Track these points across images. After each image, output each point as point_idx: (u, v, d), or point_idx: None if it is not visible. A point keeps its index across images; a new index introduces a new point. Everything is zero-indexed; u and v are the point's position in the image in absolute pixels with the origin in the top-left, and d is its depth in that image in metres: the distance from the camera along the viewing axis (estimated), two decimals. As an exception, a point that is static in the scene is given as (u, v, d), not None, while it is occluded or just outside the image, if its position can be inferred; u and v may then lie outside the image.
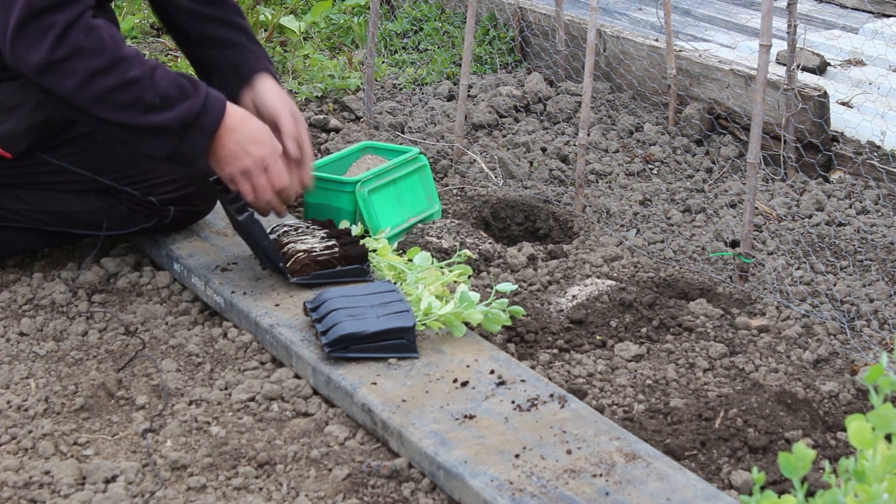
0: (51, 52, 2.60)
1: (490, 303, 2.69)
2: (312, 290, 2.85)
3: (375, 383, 2.47)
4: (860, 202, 3.77)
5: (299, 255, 2.87)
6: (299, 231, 3.02)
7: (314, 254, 2.87)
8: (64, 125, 2.97)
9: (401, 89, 4.86)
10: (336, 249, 2.90)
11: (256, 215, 2.83)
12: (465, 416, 2.35)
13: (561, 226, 3.64)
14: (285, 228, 3.02)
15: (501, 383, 2.47)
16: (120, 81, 2.63)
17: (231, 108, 2.75)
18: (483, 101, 4.60)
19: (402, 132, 4.33)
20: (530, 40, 5.10)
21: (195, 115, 2.68)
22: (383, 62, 5.12)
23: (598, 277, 3.14)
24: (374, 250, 2.98)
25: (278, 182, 2.80)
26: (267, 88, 2.97)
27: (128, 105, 2.64)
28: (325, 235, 2.97)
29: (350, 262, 2.89)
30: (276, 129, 2.89)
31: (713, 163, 4.14)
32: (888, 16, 5.67)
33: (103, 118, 2.67)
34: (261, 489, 2.27)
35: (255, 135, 2.76)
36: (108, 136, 2.81)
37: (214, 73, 3.06)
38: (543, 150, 4.20)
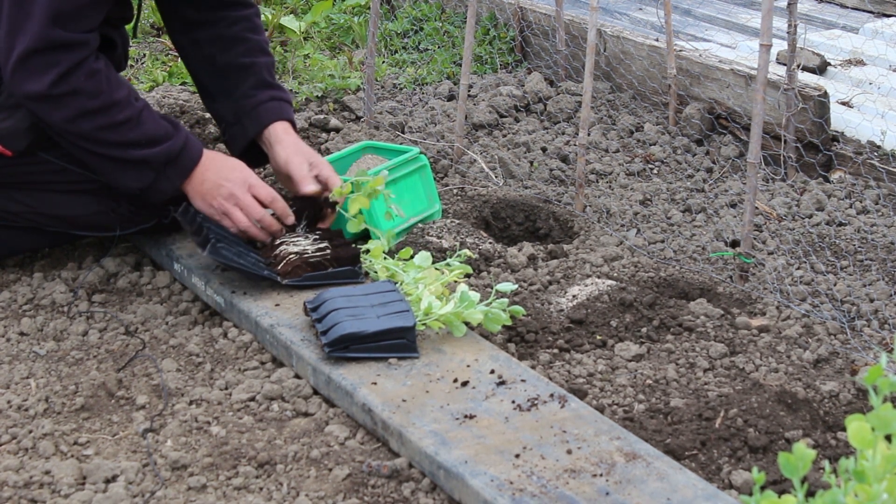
0: (51, 87, 2.73)
1: (490, 303, 2.69)
2: (312, 290, 2.85)
3: (375, 383, 2.48)
4: (860, 202, 3.77)
5: (291, 257, 2.87)
6: (292, 233, 3.02)
7: (306, 255, 2.88)
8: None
9: (401, 89, 4.86)
10: (328, 251, 2.90)
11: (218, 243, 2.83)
12: (466, 416, 2.35)
13: (561, 226, 3.64)
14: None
15: (501, 383, 2.47)
16: (108, 123, 2.78)
17: (206, 152, 2.92)
18: (483, 100, 4.60)
19: (403, 132, 4.33)
20: (530, 40, 5.10)
21: (176, 154, 2.84)
22: (383, 62, 5.12)
23: (599, 277, 3.15)
24: (368, 251, 2.98)
25: (253, 213, 2.91)
26: (281, 141, 3.08)
27: (112, 144, 2.81)
28: (318, 237, 2.98)
29: (342, 263, 2.89)
30: (290, 179, 3.04)
31: (713, 163, 4.14)
32: (888, 15, 5.67)
33: (87, 150, 2.84)
34: (261, 489, 2.27)
35: (225, 173, 2.90)
36: (86, 162, 2.93)
37: (224, 121, 3.17)
38: (544, 149, 4.20)
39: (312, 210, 3.04)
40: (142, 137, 2.81)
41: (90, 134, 2.79)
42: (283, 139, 3.08)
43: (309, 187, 3.01)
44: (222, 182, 2.89)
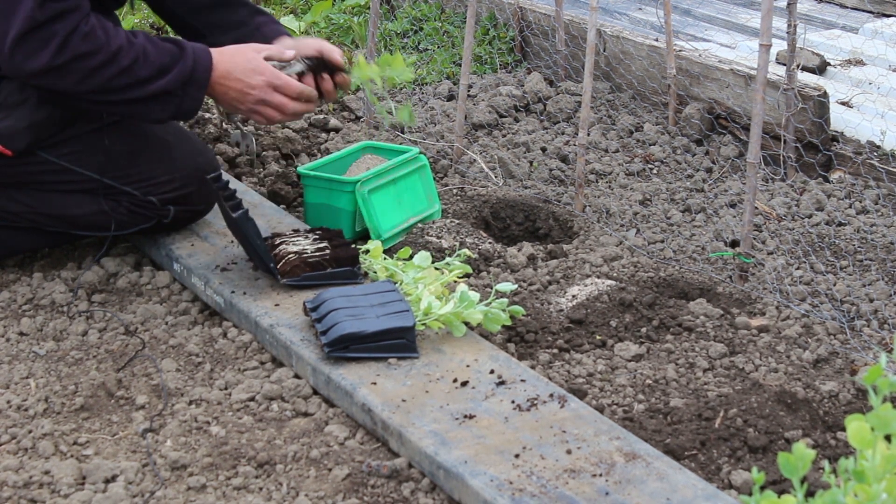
0: (52, 59, 2.72)
1: (490, 302, 2.69)
2: (311, 290, 2.85)
3: (375, 383, 2.48)
4: (860, 202, 3.77)
5: (290, 256, 2.87)
6: (292, 233, 3.03)
7: (305, 255, 2.88)
8: (65, 123, 2.98)
9: (401, 89, 4.86)
10: (327, 251, 2.90)
11: (251, 213, 2.84)
12: (465, 416, 2.35)
13: (561, 226, 3.64)
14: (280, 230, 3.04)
15: (501, 383, 2.47)
16: (117, 71, 2.77)
17: (216, 53, 2.89)
18: (483, 100, 4.60)
19: (402, 132, 4.33)
20: (530, 40, 5.10)
21: (189, 73, 2.83)
22: (383, 62, 5.12)
23: (598, 277, 3.15)
24: (367, 251, 2.98)
25: (286, 110, 2.93)
26: (288, 43, 3.09)
27: (127, 86, 2.80)
28: (317, 237, 2.98)
29: (341, 263, 2.89)
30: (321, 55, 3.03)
31: (713, 163, 4.14)
32: (888, 15, 5.67)
33: (106, 101, 2.83)
34: (261, 489, 2.27)
35: (247, 78, 2.90)
36: (112, 114, 2.97)
37: None
38: (543, 149, 4.20)
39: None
40: (153, 71, 2.80)
41: (103, 86, 2.79)
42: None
43: (334, 53, 3.03)
44: (248, 91, 2.90)
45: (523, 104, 4.60)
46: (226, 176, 3.00)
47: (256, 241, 2.83)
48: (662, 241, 3.52)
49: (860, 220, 3.64)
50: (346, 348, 2.55)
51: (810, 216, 3.69)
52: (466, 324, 2.67)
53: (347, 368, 2.53)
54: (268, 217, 3.29)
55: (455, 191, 3.77)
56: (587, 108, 3.61)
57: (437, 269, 2.88)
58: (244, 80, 2.89)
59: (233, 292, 2.88)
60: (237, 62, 2.90)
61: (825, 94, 3.99)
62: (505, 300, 2.70)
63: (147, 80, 2.80)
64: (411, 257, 2.95)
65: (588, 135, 3.85)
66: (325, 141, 4.19)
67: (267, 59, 2.94)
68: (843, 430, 2.45)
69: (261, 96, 2.90)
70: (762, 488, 2.24)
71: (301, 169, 3.38)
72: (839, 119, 4.19)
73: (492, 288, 2.84)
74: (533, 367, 2.68)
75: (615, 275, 3.19)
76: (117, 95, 2.81)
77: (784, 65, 4.05)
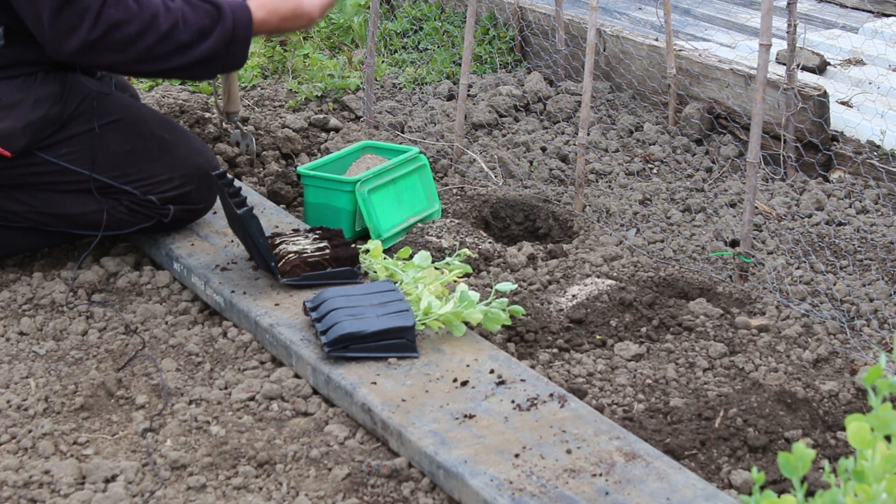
0: (88, 33, 2.73)
1: (490, 302, 2.69)
2: (311, 289, 2.85)
3: (375, 383, 2.48)
4: (860, 202, 3.77)
5: (290, 256, 2.87)
6: (292, 233, 3.03)
7: (305, 255, 2.88)
8: (62, 122, 2.98)
9: (401, 89, 4.86)
10: (327, 251, 2.90)
11: (256, 211, 2.84)
12: (465, 416, 2.35)
13: (561, 225, 3.64)
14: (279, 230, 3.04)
15: (501, 383, 2.47)
16: (157, 38, 2.78)
17: (254, 7, 2.89)
18: (483, 100, 4.60)
19: (402, 132, 4.33)
20: (530, 40, 5.10)
21: (230, 33, 2.84)
22: (383, 62, 5.12)
23: (598, 277, 3.15)
24: (367, 251, 2.98)
25: (327, 10, 3.00)
26: None
27: (170, 53, 2.81)
28: (317, 237, 2.98)
29: (341, 263, 2.89)
30: None
31: (713, 162, 4.14)
32: (888, 15, 5.67)
33: (151, 71, 2.85)
34: (261, 489, 2.27)
35: (292, 13, 2.93)
36: (159, 78, 3.05)
37: None
38: (543, 149, 4.20)
39: None
40: (194, 35, 2.81)
41: (145, 55, 2.79)
42: None
43: None
44: (303, 22, 2.94)
45: (523, 104, 4.60)
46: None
47: (259, 238, 2.83)
48: (662, 241, 3.52)
49: (860, 220, 3.64)
50: (346, 348, 2.55)
51: (810, 216, 3.69)
52: (466, 323, 2.67)
53: (347, 368, 2.53)
54: (268, 217, 3.29)
55: (455, 190, 3.77)
56: (587, 108, 3.61)
57: (437, 268, 2.88)
58: (294, 26, 2.95)
59: (233, 292, 2.88)
60: (283, 14, 2.92)
61: (825, 94, 3.99)
62: (505, 300, 2.70)
63: (188, 45, 2.80)
64: (411, 257, 2.95)
65: (588, 134, 3.85)
66: (325, 141, 4.18)
67: None
68: (843, 429, 2.46)
69: (313, 14, 2.94)
70: (762, 488, 2.24)
71: (301, 169, 3.38)
72: (839, 119, 4.19)
73: (492, 288, 2.84)
74: (533, 367, 2.68)
75: (615, 274, 3.19)
76: (162, 63, 2.81)
77: (784, 64, 4.05)
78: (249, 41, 2.89)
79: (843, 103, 4.49)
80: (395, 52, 5.33)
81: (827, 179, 3.96)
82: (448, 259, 2.93)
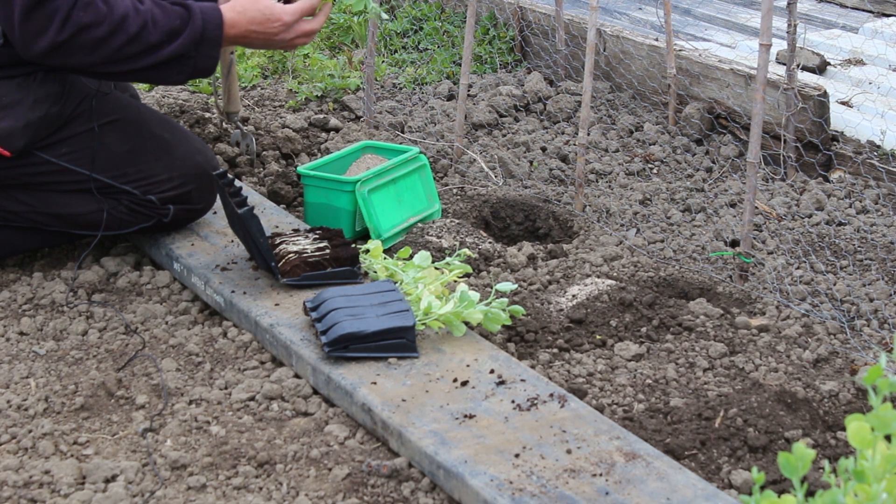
0: (57, 34, 2.73)
1: (490, 302, 2.69)
2: (311, 289, 2.85)
3: (375, 383, 2.47)
4: (860, 202, 3.77)
5: (290, 256, 2.87)
6: (292, 232, 3.03)
7: (305, 255, 2.88)
8: (62, 122, 2.98)
9: (401, 89, 4.86)
10: (327, 251, 2.90)
11: (256, 211, 2.84)
12: (465, 416, 2.35)
13: (561, 225, 3.64)
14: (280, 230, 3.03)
15: (501, 383, 2.47)
16: (125, 39, 2.78)
17: (229, 10, 2.91)
18: (483, 100, 4.60)
19: (402, 132, 4.33)
20: (530, 40, 5.10)
21: (200, 33, 2.85)
22: (383, 62, 5.12)
23: (598, 277, 3.15)
24: (367, 251, 2.98)
25: (309, 40, 3.01)
26: None
27: (139, 54, 2.81)
28: (317, 237, 2.98)
29: (341, 263, 2.89)
30: None
31: (713, 162, 4.14)
32: (888, 15, 5.67)
33: (120, 71, 2.85)
34: (261, 489, 2.27)
35: (266, 28, 2.94)
36: (129, 81, 3.02)
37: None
38: (543, 149, 4.20)
39: None
40: (163, 36, 2.82)
41: (114, 56, 2.80)
42: None
43: None
44: (271, 38, 2.94)
45: (523, 104, 4.60)
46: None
47: (260, 238, 2.83)
48: (662, 241, 3.52)
49: (860, 220, 3.64)
50: (346, 348, 2.55)
51: (810, 216, 3.69)
52: (466, 323, 2.67)
53: (347, 368, 2.53)
54: (268, 217, 3.29)
55: (455, 190, 3.77)
56: (587, 108, 3.60)
57: (437, 268, 2.88)
58: (263, 31, 2.93)
59: (233, 292, 2.88)
60: (251, 17, 2.92)
61: (825, 94, 3.99)
62: (505, 300, 2.70)
63: (158, 46, 2.81)
64: (411, 257, 2.95)
65: (588, 134, 3.85)
66: (325, 141, 4.18)
67: None
68: (843, 429, 2.45)
69: (285, 37, 2.95)
70: (762, 488, 2.24)
71: (301, 169, 3.38)
72: (839, 119, 4.19)
73: (492, 288, 2.84)
74: (533, 367, 2.68)
75: (615, 274, 3.19)
76: (131, 64, 2.82)
77: (784, 64, 4.05)
78: (220, 43, 2.88)
79: (843, 103, 4.49)
80: (396, 52, 5.33)
81: (827, 179, 3.96)
82: (448, 259, 2.93)
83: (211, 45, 2.87)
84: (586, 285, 3.04)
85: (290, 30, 2.95)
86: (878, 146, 4.09)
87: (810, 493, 2.14)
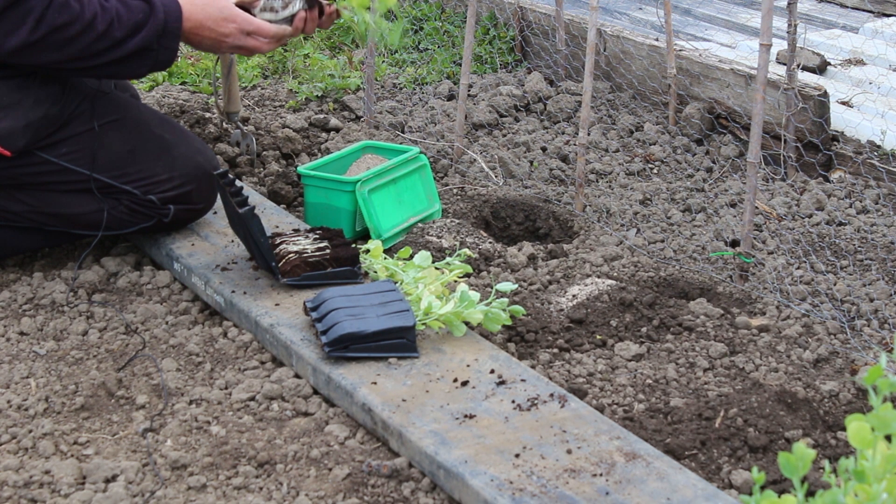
0: (29, 35, 2.76)
1: (490, 302, 2.69)
2: (312, 289, 2.85)
3: (375, 383, 2.48)
4: (860, 202, 3.77)
5: (290, 256, 2.87)
6: (292, 232, 3.03)
7: (305, 255, 2.88)
8: (62, 122, 2.98)
9: (401, 89, 4.86)
10: (327, 251, 2.90)
11: (256, 211, 2.84)
12: (465, 416, 2.35)
13: (561, 225, 3.64)
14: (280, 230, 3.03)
15: (501, 383, 2.47)
16: (94, 36, 2.82)
17: (187, 4, 2.94)
18: (483, 100, 4.60)
19: (403, 132, 4.33)
20: (530, 40, 5.10)
21: (162, 25, 2.88)
22: (383, 62, 5.12)
23: (599, 277, 3.15)
24: (367, 251, 2.98)
25: (261, 51, 3.03)
26: None
27: (105, 49, 2.84)
28: (317, 237, 2.98)
29: (341, 263, 2.89)
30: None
31: (713, 162, 4.14)
32: (888, 15, 5.67)
33: (85, 67, 2.88)
34: (261, 489, 2.27)
35: (219, 27, 2.96)
36: (91, 76, 3.01)
37: None
38: (543, 149, 4.20)
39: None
40: (128, 30, 2.85)
41: (81, 54, 2.83)
42: None
43: None
44: (221, 39, 2.97)
45: (523, 104, 4.60)
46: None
47: (261, 238, 2.83)
48: (662, 241, 3.52)
49: (860, 220, 3.64)
50: (347, 348, 2.55)
51: (810, 216, 3.69)
52: (467, 323, 2.67)
53: (347, 368, 2.53)
54: (268, 216, 3.29)
55: (455, 190, 3.77)
56: (587, 108, 3.61)
57: (437, 268, 2.88)
58: (216, 29, 2.95)
59: (233, 292, 2.88)
60: (209, 13, 2.95)
61: (825, 94, 3.99)
62: (505, 300, 2.70)
63: (123, 40, 2.84)
64: (411, 257, 2.95)
65: (588, 134, 3.85)
66: (325, 141, 4.18)
67: (239, 4, 2.99)
68: (844, 429, 2.46)
69: (234, 43, 2.98)
70: (762, 488, 2.24)
71: (301, 169, 3.38)
72: (839, 119, 4.19)
73: (492, 288, 2.84)
74: (533, 367, 2.68)
75: (615, 274, 3.19)
76: (97, 59, 2.85)
77: (784, 64, 4.05)
78: (180, 34, 2.91)
79: (843, 103, 4.49)
80: (396, 52, 5.34)
81: (827, 179, 3.96)
82: (448, 259, 2.93)
83: (172, 38, 2.91)
84: (586, 285, 3.04)
85: (243, 39, 2.97)
86: (879, 146, 4.09)
87: (810, 493, 2.14)
